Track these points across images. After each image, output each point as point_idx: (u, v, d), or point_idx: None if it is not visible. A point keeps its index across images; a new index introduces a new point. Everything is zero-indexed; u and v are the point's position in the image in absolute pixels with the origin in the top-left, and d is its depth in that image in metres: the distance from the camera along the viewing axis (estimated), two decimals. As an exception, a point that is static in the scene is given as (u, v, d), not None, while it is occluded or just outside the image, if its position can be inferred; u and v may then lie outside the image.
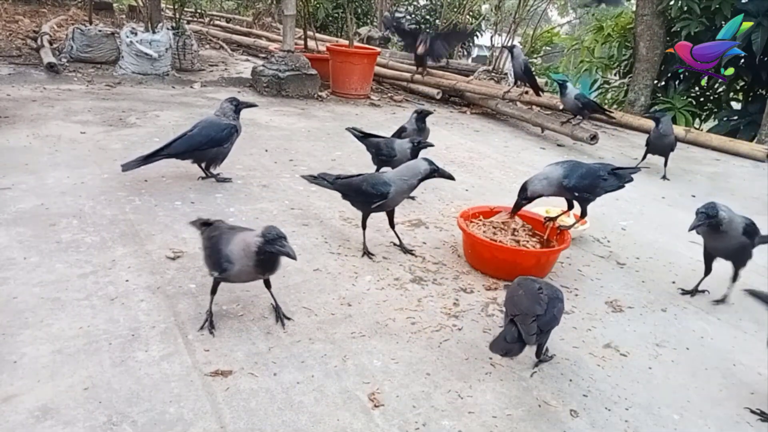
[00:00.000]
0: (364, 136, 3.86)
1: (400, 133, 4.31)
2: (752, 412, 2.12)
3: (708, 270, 2.92)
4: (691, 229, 2.71)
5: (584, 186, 2.93)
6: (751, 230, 2.74)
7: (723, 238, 2.74)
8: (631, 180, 3.09)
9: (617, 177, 3.03)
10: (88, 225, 2.99)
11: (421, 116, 4.22)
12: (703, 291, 2.96)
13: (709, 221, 2.66)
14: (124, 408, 1.79)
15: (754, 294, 2.27)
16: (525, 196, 2.96)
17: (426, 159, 2.93)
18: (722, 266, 2.85)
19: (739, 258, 2.82)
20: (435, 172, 2.88)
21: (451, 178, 2.94)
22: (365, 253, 3.00)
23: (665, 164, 5.13)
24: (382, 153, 3.69)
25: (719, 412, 2.09)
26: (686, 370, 2.33)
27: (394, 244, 3.15)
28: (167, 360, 2.03)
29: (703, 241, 2.87)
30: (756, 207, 4.57)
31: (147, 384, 1.90)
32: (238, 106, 3.69)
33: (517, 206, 3.03)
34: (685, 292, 2.98)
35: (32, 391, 1.83)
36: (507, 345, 1.99)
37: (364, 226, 3.02)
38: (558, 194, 3.00)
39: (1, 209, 3.04)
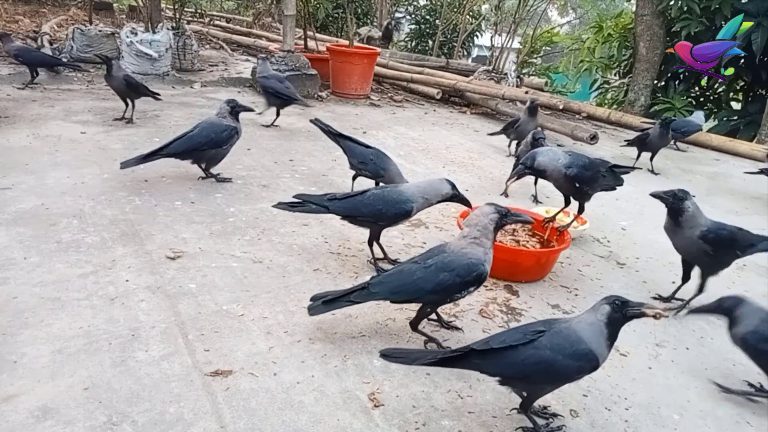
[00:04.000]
0: (339, 136, 3.58)
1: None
2: (750, 385, 2.22)
3: (686, 277, 2.73)
4: (652, 195, 2.60)
5: (586, 178, 2.89)
6: (715, 240, 2.51)
7: (678, 233, 2.61)
8: (622, 183, 3.04)
9: (614, 176, 3.02)
10: (89, 225, 2.99)
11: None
12: (680, 300, 2.77)
13: (672, 202, 2.54)
14: (124, 408, 1.79)
15: (698, 311, 2.26)
16: (531, 166, 2.87)
17: (448, 181, 2.70)
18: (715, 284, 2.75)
19: (703, 264, 2.63)
20: (455, 196, 2.70)
21: (468, 204, 2.76)
22: (378, 269, 2.81)
23: (651, 158, 5.30)
24: (366, 169, 3.39)
25: (719, 412, 2.09)
26: (686, 370, 2.33)
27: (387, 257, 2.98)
28: (167, 360, 2.03)
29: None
30: (756, 207, 4.56)
31: (147, 384, 1.90)
32: (234, 108, 3.69)
33: (520, 174, 2.90)
34: (659, 298, 2.88)
35: (32, 391, 1.83)
36: None
37: (371, 244, 2.82)
38: (558, 182, 2.95)
39: (1, 209, 3.04)
